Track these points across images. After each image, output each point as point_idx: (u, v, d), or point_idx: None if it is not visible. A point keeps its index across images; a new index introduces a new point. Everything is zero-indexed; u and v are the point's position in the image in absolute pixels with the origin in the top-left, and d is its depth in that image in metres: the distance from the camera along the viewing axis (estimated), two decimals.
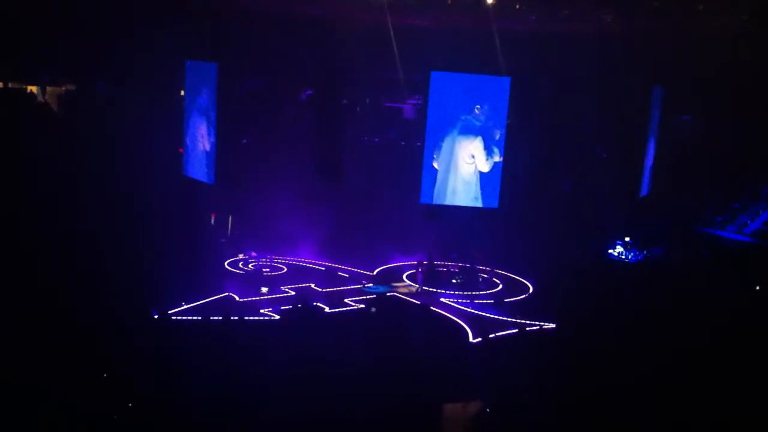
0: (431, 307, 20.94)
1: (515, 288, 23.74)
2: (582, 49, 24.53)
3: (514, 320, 20.12)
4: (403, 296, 22.56)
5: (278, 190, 25.05)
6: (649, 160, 26.16)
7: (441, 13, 24.78)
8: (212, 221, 27.39)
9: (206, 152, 25.09)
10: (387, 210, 26.60)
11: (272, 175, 25.72)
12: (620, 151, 26.14)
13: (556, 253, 24.63)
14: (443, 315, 20.73)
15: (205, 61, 24.53)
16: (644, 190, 25.89)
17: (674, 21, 23.59)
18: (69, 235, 21.47)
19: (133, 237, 22.36)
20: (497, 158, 24.78)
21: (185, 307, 19.40)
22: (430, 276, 24.00)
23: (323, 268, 24.55)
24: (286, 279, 23.19)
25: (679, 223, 26.36)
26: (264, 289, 21.74)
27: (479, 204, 25.04)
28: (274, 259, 25.07)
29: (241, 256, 25.21)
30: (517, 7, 23.96)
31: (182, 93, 26.53)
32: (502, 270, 24.93)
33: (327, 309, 20.58)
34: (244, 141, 27.41)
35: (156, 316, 18.26)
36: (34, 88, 28.73)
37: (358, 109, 30.81)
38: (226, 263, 24.39)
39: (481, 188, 24.95)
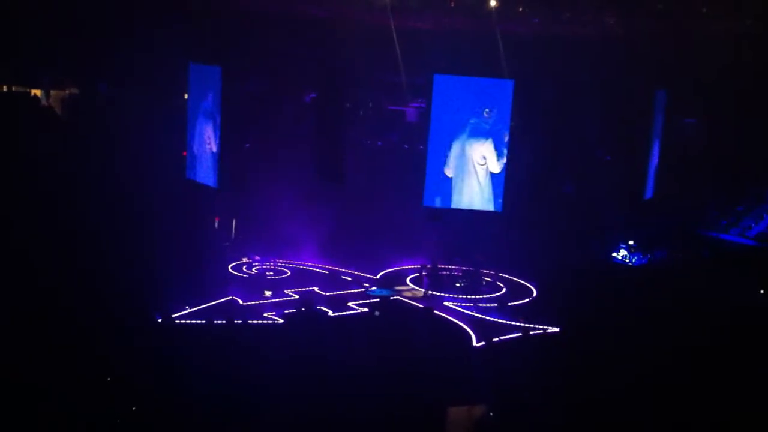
0: (434, 311, 20.82)
1: (519, 291, 23.60)
2: (585, 51, 24.53)
3: (518, 324, 19.99)
4: (407, 300, 22.48)
5: (281, 193, 25.02)
6: (654, 163, 26.08)
7: (443, 16, 24.86)
8: (216, 225, 27.35)
9: (213, 154, 25.11)
10: (390, 213, 26.50)
11: (275, 178, 25.67)
12: (623, 153, 26.09)
13: (560, 257, 24.52)
14: (447, 318, 20.62)
15: (208, 65, 24.53)
16: (648, 193, 25.79)
17: (677, 23, 23.59)
18: (71, 237, 21.44)
19: (136, 240, 22.29)
20: (505, 160, 24.76)
21: (189, 310, 19.35)
22: (433, 280, 23.90)
23: (326, 272, 24.49)
24: (289, 282, 23.11)
25: (683, 226, 26.23)
26: (267, 293, 21.66)
27: (491, 207, 24.95)
28: (278, 262, 25.02)
29: (244, 260, 25.17)
30: (520, 9, 24.02)
31: (186, 96, 26.55)
32: (505, 273, 24.82)
33: (330, 312, 20.51)
34: (247, 145, 27.44)
35: (159, 320, 18.20)
36: (37, 92, 28.77)
37: (360, 112, 30.82)
38: (229, 267, 24.33)
39: (493, 190, 24.93)
